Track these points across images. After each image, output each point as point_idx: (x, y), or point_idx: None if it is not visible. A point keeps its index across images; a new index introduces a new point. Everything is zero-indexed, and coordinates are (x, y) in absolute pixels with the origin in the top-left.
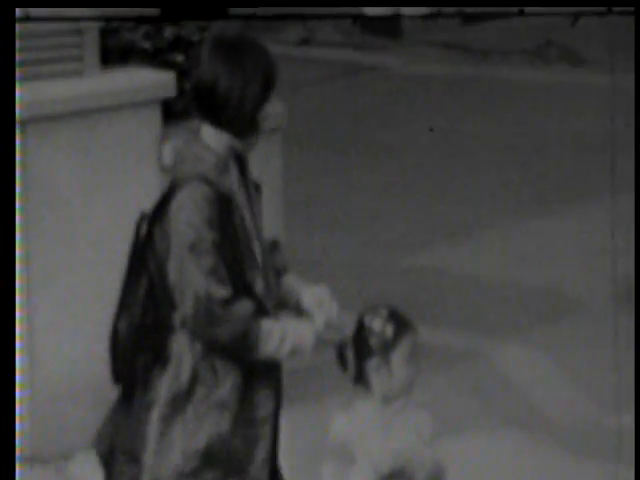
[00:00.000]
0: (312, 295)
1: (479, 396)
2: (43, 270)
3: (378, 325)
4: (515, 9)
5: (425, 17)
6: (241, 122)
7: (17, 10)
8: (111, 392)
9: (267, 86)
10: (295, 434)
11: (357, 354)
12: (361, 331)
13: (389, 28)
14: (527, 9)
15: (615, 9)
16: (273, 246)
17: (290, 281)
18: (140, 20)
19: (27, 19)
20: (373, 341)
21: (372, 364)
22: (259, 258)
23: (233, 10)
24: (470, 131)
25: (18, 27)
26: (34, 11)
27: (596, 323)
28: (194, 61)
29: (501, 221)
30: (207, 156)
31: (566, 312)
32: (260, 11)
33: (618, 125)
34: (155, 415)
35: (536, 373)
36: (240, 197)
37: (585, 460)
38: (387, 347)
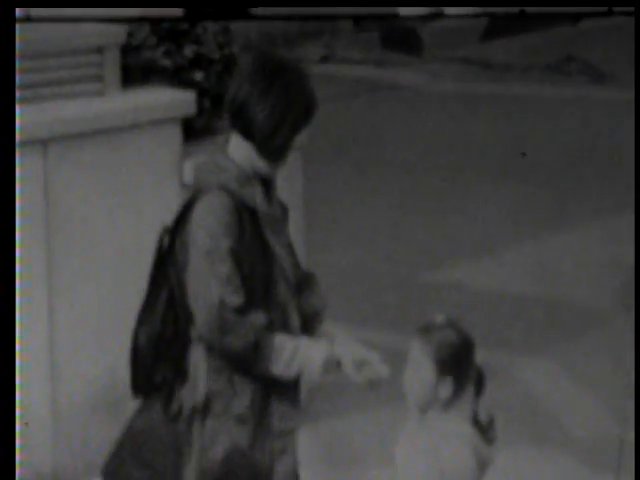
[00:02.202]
0: (355, 354)
1: (500, 410)
2: (65, 287)
3: None
4: (516, 9)
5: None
6: (272, 147)
7: (17, 10)
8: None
9: (304, 117)
10: (318, 448)
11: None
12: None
13: (409, 44)
14: (528, 9)
15: (615, 9)
16: (309, 280)
17: (329, 330)
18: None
19: (27, 19)
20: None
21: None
22: (281, 275)
23: (254, 10)
24: (490, 147)
25: (38, 46)
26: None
27: (617, 337)
28: (234, 72)
29: (521, 236)
30: (229, 167)
31: (587, 326)
32: (279, 11)
33: (631, 139)
34: (179, 428)
35: (557, 387)
36: (262, 214)
37: (605, 475)
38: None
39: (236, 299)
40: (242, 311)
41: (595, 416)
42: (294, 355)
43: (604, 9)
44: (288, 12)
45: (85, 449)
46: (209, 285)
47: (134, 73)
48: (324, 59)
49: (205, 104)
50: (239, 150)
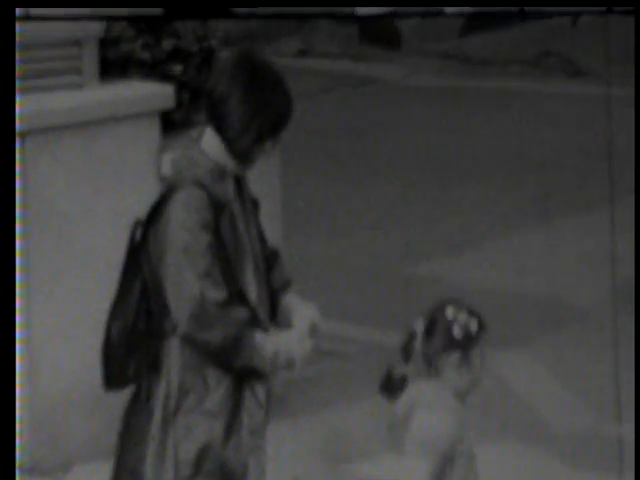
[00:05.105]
0: (303, 319)
1: (480, 405)
2: (42, 280)
3: (463, 317)
4: (515, 9)
5: (423, 15)
6: (240, 147)
7: (17, 10)
8: (110, 403)
9: (274, 126)
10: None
11: (432, 345)
12: (440, 323)
13: (387, 39)
14: (527, 9)
15: (615, 9)
16: (273, 258)
17: (287, 300)
18: (142, 20)
19: (27, 18)
20: (457, 333)
21: (453, 359)
22: (253, 269)
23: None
24: (469, 142)
25: (17, 38)
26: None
27: (597, 332)
28: (215, 64)
29: (501, 231)
30: (203, 162)
31: (567, 321)
32: (259, 10)
33: (615, 134)
34: (153, 424)
35: (537, 382)
36: (235, 208)
37: (584, 470)
38: (470, 341)
39: (217, 294)
40: (223, 305)
41: (574, 410)
42: (277, 352)
43: (604, 9)
44: (268, 11)
45: (62, 444)
46: (189, 281)
47: (112, 66)
48: (302, 53)
49: (184, 97)
50: (212, 145)
